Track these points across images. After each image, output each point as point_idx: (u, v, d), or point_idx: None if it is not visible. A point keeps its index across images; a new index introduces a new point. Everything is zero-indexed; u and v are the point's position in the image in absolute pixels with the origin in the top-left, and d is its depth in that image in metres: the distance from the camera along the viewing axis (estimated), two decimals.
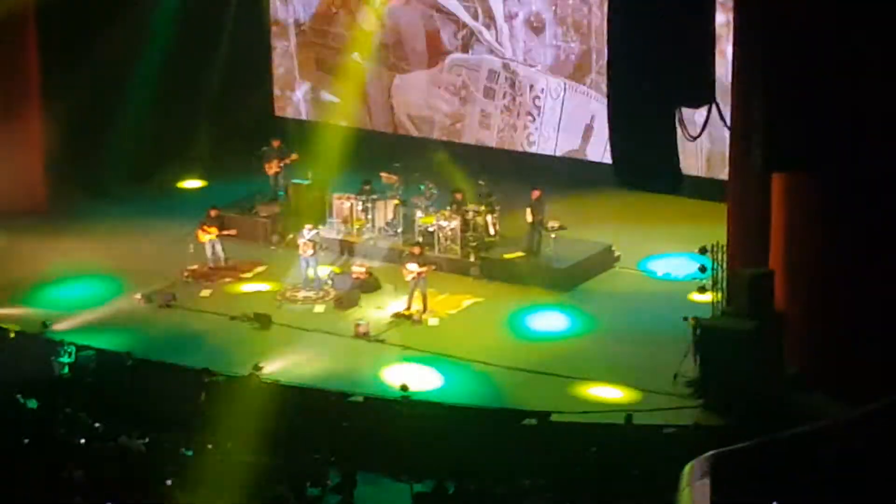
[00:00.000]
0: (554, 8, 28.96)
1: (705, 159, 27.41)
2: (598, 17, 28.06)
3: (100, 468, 17.80)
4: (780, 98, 18.71)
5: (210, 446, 19.29)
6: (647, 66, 18.87)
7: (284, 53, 32.19)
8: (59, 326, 23.92)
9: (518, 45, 29.51)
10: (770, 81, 18.69)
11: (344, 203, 27.09)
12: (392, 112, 31.33)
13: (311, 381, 22.10)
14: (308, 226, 25.80)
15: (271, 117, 32.30)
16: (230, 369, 22.18)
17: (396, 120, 31.30)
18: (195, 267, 26.14)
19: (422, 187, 26.68)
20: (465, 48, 30.17)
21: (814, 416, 16.37)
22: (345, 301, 24.77)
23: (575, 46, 28.89)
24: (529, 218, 25.83)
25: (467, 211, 26.10)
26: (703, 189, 25.69)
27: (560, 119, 29.38)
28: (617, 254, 26.00)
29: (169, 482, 17.38)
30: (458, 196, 26.33)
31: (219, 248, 26.28)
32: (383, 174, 27.44)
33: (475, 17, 29.86)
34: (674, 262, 25.34)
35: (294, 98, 32.29)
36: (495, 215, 26.23)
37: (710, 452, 15.42)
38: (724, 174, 23.60)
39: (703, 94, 19.24)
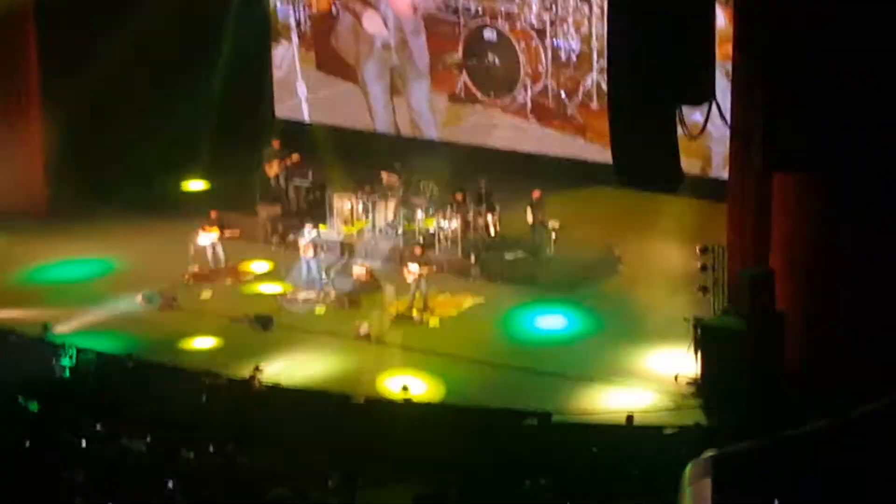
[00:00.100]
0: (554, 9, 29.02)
1: (706, 159, 27.41)
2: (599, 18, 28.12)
3: (100, 470, 17.80)
4: (780, 98, 18.69)
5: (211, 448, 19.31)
6: (647, 65, 18.84)
7: (285, 54, 32.20)
8: (60, 329, 23.94)
9: (519, 45, 29.51)
10: (770, 82, 18.67)
11: (345, 204, 27.09)
12: (394, 113, 31.34)
13: (312, 382, 22.11)
14: (308, 227, 25.80)
15: (272, 118, 32.31)
16: (231, 371, 22.19)
17: (398, 121, 31.30)
18: (196, 269, 26.14)
19: (421, 185, 26.75)
20: (466, 49, 30.18)
21: (813, 417, 16.33)
22: (345, 302, 24.79)
23: (575, 46, 28.92)
24: (530, 218, 25.84)
25: (468, 211, 26.11)
26: (704, 189, 25.69)
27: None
28: (617, 253, 26.01)
29: (170, 484, 17.38)
30: (459, 196, 26.33)
31: (219, 249, 26.28)
32: (384, 174, 27.45)
33: (476, 17, 29.89)
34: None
35: (295, 99, 32.29)
36: (496, 215, 26.24)
37: (711, 453, 15.42)
38: (724, 173, 23.60)
39: (703, 93, 19.22)
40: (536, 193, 25.90)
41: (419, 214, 26.40)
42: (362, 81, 31.51)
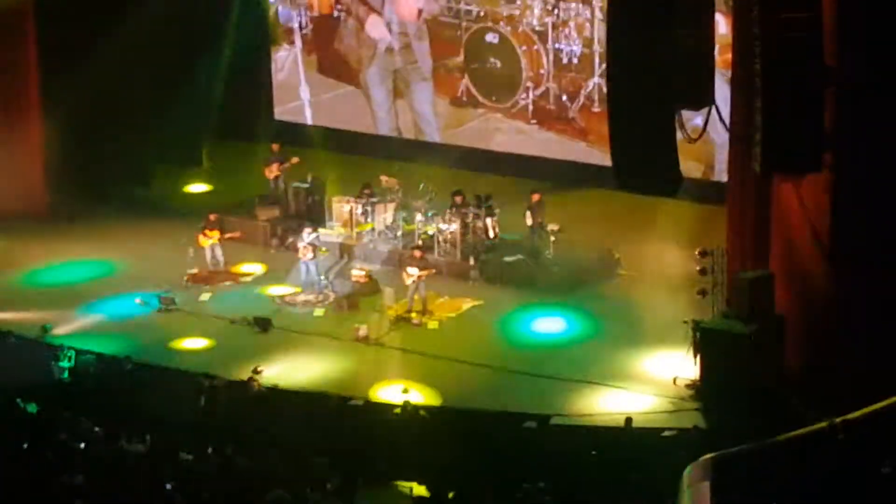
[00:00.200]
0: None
1: (708, 163, 27.38)
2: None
3: (99, 472, 17.77)
4: (780, 99, 18.67)
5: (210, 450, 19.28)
6: (647, 69, 18.84)
7: (286, 57, 32.19)
8: (59, 330, 23.92)
9: (521, 49, 29.50)
10: (770, 83, 18.65)
11: (344, 206, 27.08)
12: (396, 117, 31.33)
13: (311, 384, 22.08)
14: (307, 229, 25.79)
15: (272, 121, 32.30)
16: (230, 373, 22.17)
17: (400, 125, 31.29)
18: (195, 271, 26.13)
19: (420, 187, 26.74)
20: (468, 53, 30.17)
21: (813, 418, 16.32)
22: (344, 304, 24.77)
23: (576, 49, 28.91)
24: (529, 221, 25.82)
25: (467, 214, 26.10)
26: (705, 193, 25.67)
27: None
28: (617, 256, 25.98)
29: (169, 486, 17.36)
30: (458, 199, 26.32)
31: (219, 252, 26.26)
32: (383, 177, 27.44)
33: (479, 20, 29.88)
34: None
35: (296, 102, 32.28)
36: (495, 218, 26.22)
37: (710, 455, 15.41)
38: (723, 176, 23.59)
39: (703, 96, 19.23)
40: (536, 196, 25.89)
41: (418, 217, 26.37)
42: (365, 85, 31.49)
